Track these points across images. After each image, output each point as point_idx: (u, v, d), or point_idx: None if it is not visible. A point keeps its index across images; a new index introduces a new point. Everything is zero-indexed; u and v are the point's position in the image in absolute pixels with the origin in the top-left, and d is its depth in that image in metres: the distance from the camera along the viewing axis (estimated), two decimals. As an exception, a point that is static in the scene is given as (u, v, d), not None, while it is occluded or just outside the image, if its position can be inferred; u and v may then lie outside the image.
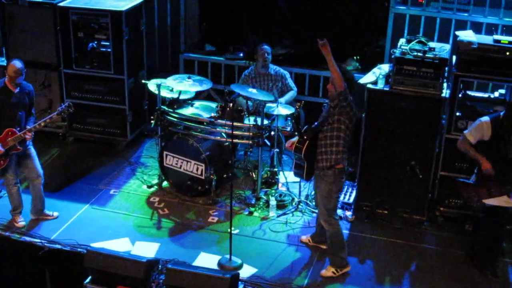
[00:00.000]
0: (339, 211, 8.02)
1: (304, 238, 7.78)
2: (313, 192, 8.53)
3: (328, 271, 7.18)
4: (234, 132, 7.67)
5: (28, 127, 7.59)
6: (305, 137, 6.98)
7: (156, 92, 8.51)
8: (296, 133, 7.20)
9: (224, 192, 8.67)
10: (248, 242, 7.79)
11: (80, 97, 9.68)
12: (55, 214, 8.13)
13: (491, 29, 8.72)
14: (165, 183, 8.86)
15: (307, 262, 7.45)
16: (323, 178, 6.95)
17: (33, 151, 7.81)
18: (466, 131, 7.04)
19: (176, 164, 8.54)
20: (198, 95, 9.71)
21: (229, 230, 7.33)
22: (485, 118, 6.88)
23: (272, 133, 8.37)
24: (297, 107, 7.76)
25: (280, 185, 8.86)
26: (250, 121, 8.40)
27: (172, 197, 8.66)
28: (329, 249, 7.26)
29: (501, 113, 6.89)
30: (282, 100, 8.86)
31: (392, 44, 9.33)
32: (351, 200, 8.52)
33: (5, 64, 7.81)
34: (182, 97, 8.71)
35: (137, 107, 9.90)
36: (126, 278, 6.62)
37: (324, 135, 6.84)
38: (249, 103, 8.65)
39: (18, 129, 7.53)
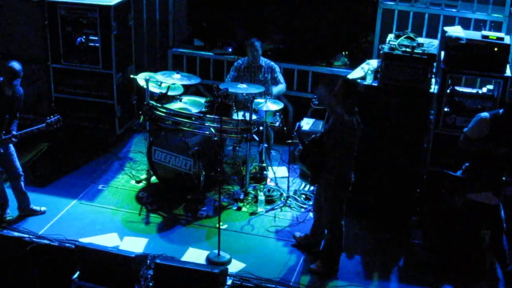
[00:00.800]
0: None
1: (298, 235, 7.73)
2: (302, 186, 8.57)
3: (317, 267, 7.19)
4: (222, 127, 7.66)
5: (13, 132, 7.52)
6: (309, 147, 7.00)
7: (145, 86, 8.50)
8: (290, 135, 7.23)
9: (213, 187, 8.65)
10: (237, 237, 7.79)
11: (68, 92, 9.64)
12: (43, 209, 8.09)
13: (479, 25, 8.76)
14: (153, 178, 8.84)
15: (296, 257, 7.46)
16: (327, 187, 6.94)
17: (12, 149, 7.73)
18: (466, 129, 6.80)
19: (165, 159, 8.52)
20: (187, 90, 9.70)
21: (217, 225, 7.34)
22: (485, 115, 6.67)
23: (261, 128, 8.37)
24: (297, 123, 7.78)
25: (268, 180, 8.86)
26: (238, 116, 8.40)
27: (161, 192, 8.65)
28: (325, 249, 7.24)
29: (500, 111, 6.68)
30: (274, 89, 8.86)
31: (380, 39, 9.34)
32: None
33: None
34: (170, 93, 8.71)
35: (125, 102, 9.86)
36: (114, 273, 6.62)
37: (328, 146, 6.81)
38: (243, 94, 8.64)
39: (4, 132, 7.46)
